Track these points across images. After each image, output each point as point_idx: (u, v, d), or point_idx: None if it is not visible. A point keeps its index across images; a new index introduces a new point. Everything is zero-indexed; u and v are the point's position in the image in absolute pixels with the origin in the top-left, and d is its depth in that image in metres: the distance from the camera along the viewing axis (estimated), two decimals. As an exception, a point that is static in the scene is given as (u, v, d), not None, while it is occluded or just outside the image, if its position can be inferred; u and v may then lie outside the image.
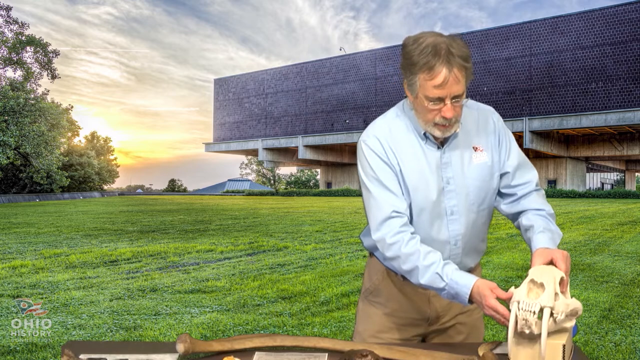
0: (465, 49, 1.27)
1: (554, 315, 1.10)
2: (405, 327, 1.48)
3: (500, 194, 1.47)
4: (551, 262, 1.23)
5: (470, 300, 1.25)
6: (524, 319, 1.09)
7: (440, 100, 1.26)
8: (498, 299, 1.21)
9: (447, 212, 1.38)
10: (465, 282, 1.24)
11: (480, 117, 1.43)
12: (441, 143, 1.38)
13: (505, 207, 1.46)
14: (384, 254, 1.35)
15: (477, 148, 1.40)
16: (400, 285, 1.47)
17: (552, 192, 35.18)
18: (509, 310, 1.14)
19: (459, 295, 1.25)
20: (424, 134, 1.37)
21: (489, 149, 1.41)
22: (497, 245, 8.71)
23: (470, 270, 1.48)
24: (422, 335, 1.50)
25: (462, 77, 1.26)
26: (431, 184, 1.36)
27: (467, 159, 1.39)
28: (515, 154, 1.44)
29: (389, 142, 1.38)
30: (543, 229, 1.34)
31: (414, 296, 1.47)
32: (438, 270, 1.27)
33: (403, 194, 1.36)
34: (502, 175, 1.44)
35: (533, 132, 34.91)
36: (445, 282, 1.26)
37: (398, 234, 1.31)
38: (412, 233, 1.34)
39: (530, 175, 1.44)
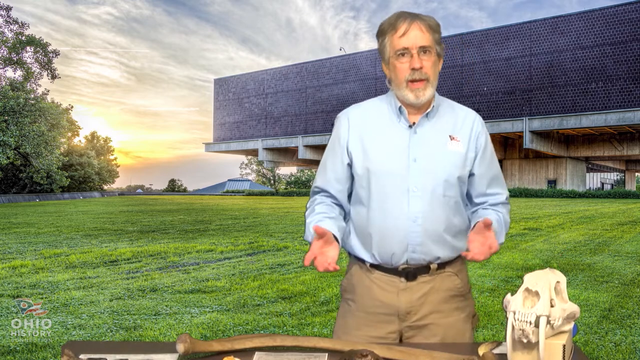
0: (434, 19, 1.39)
1: (551, 322, 1.10)
2: (377, 324, 1.45)
3: (470, 202, 1.49)
4: (481, 238, 1.26)
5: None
6: (520, 329, 1.09)
7: (406, 50, 1.35)
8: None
9: (411, 189, 1.38)
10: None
11: (464, 116, 1.48)
12: (413, 123, 1.42)
13: (470, 214, 1.48)
14: None
15: (453, 138, 1.43)
16: (370, 280, 1.46)
17: (552, 192, 35.18)
18: (506, 318, 1.14)
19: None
20: (399, 108, 1.42)
21: (466, 144, 1.44)
22: (497, 245, 8.70)
23: (444, 264, 1.44)
24: (397, 332, 1.46)
25: (428, 32, 1.36)
26: (396, 159, 1.39)
27: (441, 144, 1.42)
28: (496, 164, 1.50)
29: (358, 120, 1.46)
30: (491, 213, 1.42)
31: (383, 290, 1.44)
32: (312, 228, 1.31)
33: (340, 173, 1.47)
34: (477, 180, 1.46)
35: (533, 132, 34.91)
36: (306, 232, 1.39)
37: (313, 201, 1.49)
38: (334, 203, 1.48)
39: (504, 190, 1.50)
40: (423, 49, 1.35)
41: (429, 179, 1.39)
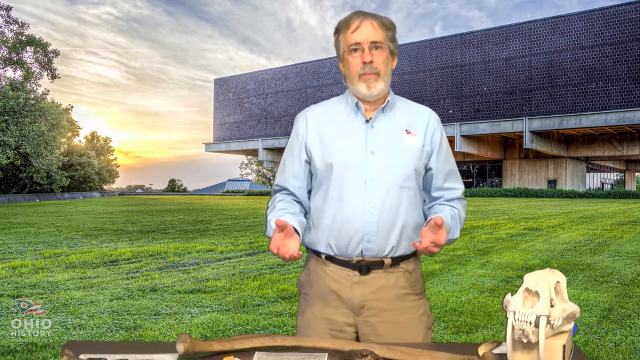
0: (389, 20, 1.45)
1: (551, 322, 1.10)
2: (334, 317, 1.47)
3: (428, 196, 1.54)
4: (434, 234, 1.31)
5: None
6: (520, 329, 1.09)
7: (358, 45, 1.41)
8: None
9: (368, 180, 1.42)
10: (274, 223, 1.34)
11: (419, 112, 1.53)
12: (370, 118, 1.48)
13: (427, 210, 1.53)
14: None
15: (409, 132, 1.48)
16: (325, 273, 1.49)
17: (552, 192, 35.17)
18: (506, 318, 1.14)
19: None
20: (356, 104, 1.47)
21: (422, 138, 1.49)
22: (497, 245, 8.71)
23: (398, 261, 1.46)
24: (353, 326, 1.48)
25: (380, 29, 1.42)
26: (355, 152, 1.44)
27: (398, 137, 1.47)
28: (452, 158, 1.55)
29: (317, 118, 1.51)
30: (446, 209, 1.48)
31: (338, 283, 1.47)
32: (272, 222, 1.39)
33: (299, 170, 1.51)
34: (434, 175, 1.51)
35: (533, 132, 34.90)
36: (267, 228, 1.40)
37: (274, 199, 1.52)
38: (294, 201, 1.52)
39: (460, 184, 1.55)
40: (374, 45, 1.41)
41: (386, 171, 1.43)
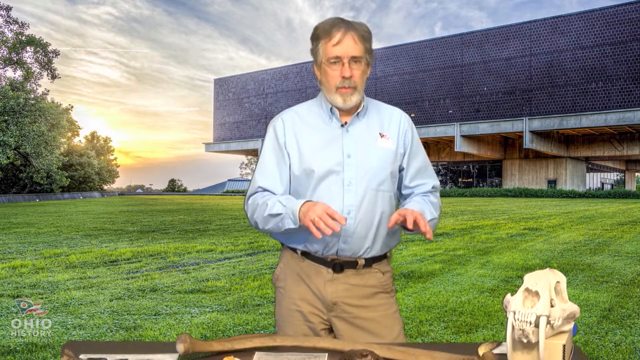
0: (366, 28, 1.46)
1: (551, 322, 1.10)
2: (307, 312, 1.52)
3: (400, 194, 1.59)
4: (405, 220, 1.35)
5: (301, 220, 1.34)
6: (520, 329, 1.09)
7: (338, 59, 1.42)
8: None
9: (345, 183, 1.46)
10: (299, 202, 1.36)
11: (390, 114, 1.57)
12: (345, 123, 1.50)
13: (400, 206, 1.57)
14: (247, 214, 1.51)
15: (383, 135, 1.52)
16: (300, 268, 1.53)
17: (552, 192, 35.17)
18: (506, 318, 1.14)
19: (294, 214, 1.35)
20: (331, 109, 1.50)
21: (395, 141, 1.53)
22: (497, 245, 8.71)
23: (371, 262, 1.51)
24: (327, 321, 1.53)
25: (360, 42, 1.43)
26: (332, 156, 1.47)
27: (372, 141, 1.50)
28: (422, 156, 1.58)
29: (293, 122, 1.52)
30: (416, 199, 1.51)
31: (311, 279, 1.51)
32: (281, 199, 1.41)
33: (284, 173, 1.51)
34: (403, 174, 1.55)
35: (533, 132, 34.90)
36: (284, 205, 1.38)
37: (263, 196, 1.48)
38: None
39: (430, 179, 1.58)
40: (354, 59, 1.43)
41: (362, 174, 1.46)
